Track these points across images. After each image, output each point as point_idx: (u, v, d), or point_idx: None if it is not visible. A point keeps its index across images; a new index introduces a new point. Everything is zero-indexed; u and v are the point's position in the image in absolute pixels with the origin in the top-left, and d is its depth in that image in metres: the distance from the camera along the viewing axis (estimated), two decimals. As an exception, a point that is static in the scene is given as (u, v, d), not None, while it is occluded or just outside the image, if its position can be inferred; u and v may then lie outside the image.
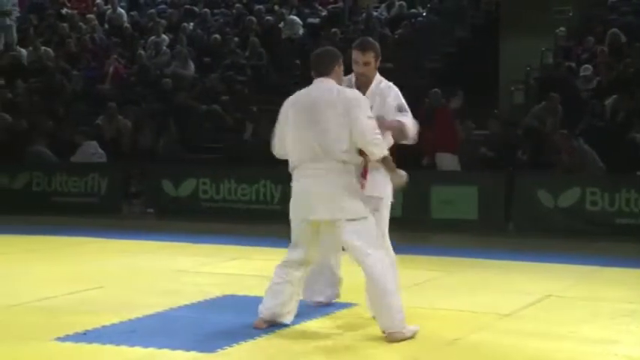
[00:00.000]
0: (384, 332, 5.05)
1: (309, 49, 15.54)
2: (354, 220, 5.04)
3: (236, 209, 11.58)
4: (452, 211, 10.32)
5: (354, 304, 5.97)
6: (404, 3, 16.70)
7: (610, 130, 11.56)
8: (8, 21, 16.93)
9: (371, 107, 5.13)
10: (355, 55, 5.38)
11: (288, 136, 5.12)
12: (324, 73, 5.17)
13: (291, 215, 5.19)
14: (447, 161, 11.32)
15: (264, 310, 5.30)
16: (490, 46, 14.80)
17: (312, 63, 5.24)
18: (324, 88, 5.12)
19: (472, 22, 16.26)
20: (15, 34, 17.05)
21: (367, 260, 5.03)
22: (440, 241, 9.57)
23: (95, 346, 4.88)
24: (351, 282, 6.90)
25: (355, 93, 5.15)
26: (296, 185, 5.14)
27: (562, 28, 14.47)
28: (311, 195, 5.05)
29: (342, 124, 4.99)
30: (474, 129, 12.15)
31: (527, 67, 13.91)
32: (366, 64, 5.37)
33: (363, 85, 5.38)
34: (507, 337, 5.23)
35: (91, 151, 12.91)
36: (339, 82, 5.20)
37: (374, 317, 5.27)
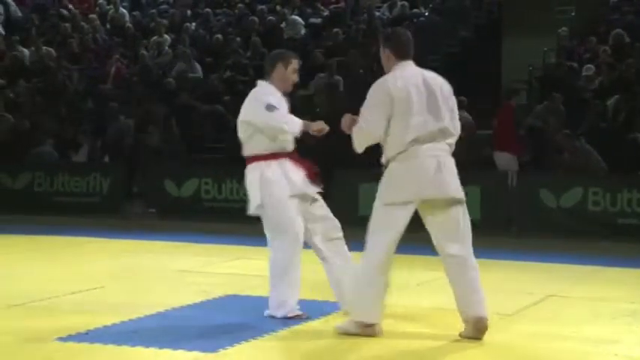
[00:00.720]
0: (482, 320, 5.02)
1: (311, 50, 15.57)
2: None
3: (238, 209, 11.56)
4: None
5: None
6: (406, 3, 16.70)
7: (612, 130, 11.56)
8: None
9: None
10: (296, 64, 5.69)
11: (402, 120, 4.97)
12: (408, 56, 5.14)
13: (402, 197, 4.97)
14: (505, 161, 11.16)
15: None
16: (492, 46, 14.81)
17: (399, 45, 5.12)
18: (421, 71, 5.14)
19: (475, 22, 16.26)
20: None
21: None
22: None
23: (97, 346, 4.89)
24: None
25: None
26: (415, 163, 4.97)
27: (564, 28, 14.47)
28: (440, 173, 5.02)
29: (447, 108, 5.09)
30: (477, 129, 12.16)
31: (530, 67, 13.91)
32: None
33: (284, 93, 5.66)
34: (509, 336, 5.24)
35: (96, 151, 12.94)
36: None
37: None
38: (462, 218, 5.08)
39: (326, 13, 17.19)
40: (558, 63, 13.78)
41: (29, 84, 15.48)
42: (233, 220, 11.00)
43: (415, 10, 16.68)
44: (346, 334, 5.09)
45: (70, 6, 18.76)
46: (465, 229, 5.09)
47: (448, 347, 4.99)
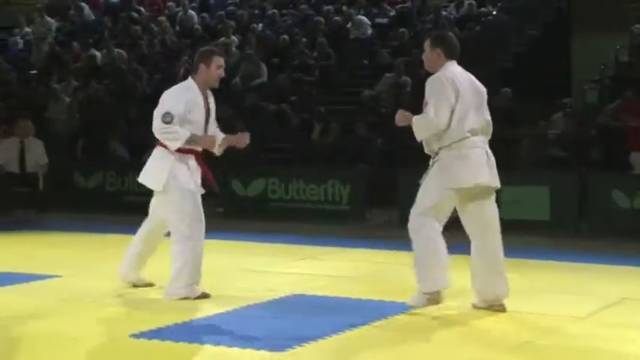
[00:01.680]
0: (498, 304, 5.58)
1: (377, 50, 15.53)
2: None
3: (304, 209, 11.63)
4: (522, 211, 10.16)
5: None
6: (473, 2, 16.52)
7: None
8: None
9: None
10: (221, 61, 6.20)
11: (461, 111, 5.52)
12: (456, 56, 5.67)
13: (461, 183, 5.51)
14: None
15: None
16: (562, 45, 14.54)
17: (450, 46, 5.67)
18: (464, 70, 5.69)
19: (543, 20, 16.00)
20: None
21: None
22: (511, 241, 9.42)
23: (168, 344, 4.96)
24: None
25: None
26: (470, 153, 5.52)
27: (638, 25, 14.12)
28: (490, 163, 5.58)
29: (485, 106, 5.66)
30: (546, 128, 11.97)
31: (602, 66, 13.62)
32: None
33: (205, 90, 6.20)
34: (580, 340, 5.14)
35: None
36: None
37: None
38: (491, 206, 5.68)
39: (392, 13, 17.13)
40: (631, 61, 13.45)
41: (101, 85, 15.80)
42: (299, 220, 11.06)
43: (483, 9, 16.49)
44: (417, 307, 5.63)
45: (141, 9, 19.08)
46: (494, 217, 5.69)
47: (517, 350, 4.92)
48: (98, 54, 16.95)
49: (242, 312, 5.80)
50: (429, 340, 5.08)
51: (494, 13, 16.25)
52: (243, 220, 11.34)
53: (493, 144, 5.71)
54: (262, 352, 4.78)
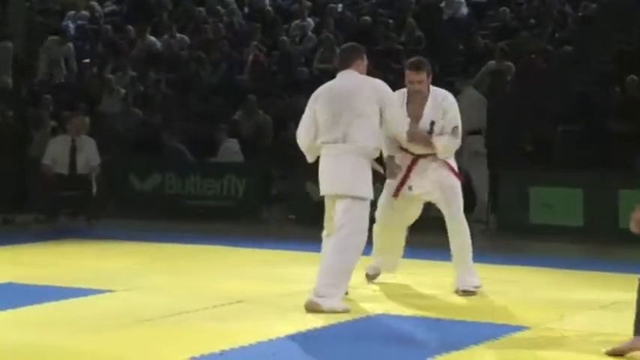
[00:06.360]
0: None
1: (475, 32, 15.37)
2: None
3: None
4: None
5: (526, 328, 5.88)
6: (588, -24, 16.20)
7: None
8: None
9: (432, 122, 7.00)
10: (409, 75, 7.04)
11: None
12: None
13: None
14: None
15: None
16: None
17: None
18: None
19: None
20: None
21: None
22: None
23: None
24: (523, 302, 6.77)
25: None
26: None
27: None
28: None
29: None
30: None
31: None
32: (420, 82, 7.01)
33: (417, 101, 7.03)
34: None
35: (234, 149, 13.20)
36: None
37: None
38: None
39: (492, -12, 16.92)
40: None
41: (159, 75, 15.99)
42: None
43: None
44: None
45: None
46: None
47: None
48: (154, 40, 17.13)
49: (314, 334, 5.80)
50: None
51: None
52: (318, 227, 11.30)
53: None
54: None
